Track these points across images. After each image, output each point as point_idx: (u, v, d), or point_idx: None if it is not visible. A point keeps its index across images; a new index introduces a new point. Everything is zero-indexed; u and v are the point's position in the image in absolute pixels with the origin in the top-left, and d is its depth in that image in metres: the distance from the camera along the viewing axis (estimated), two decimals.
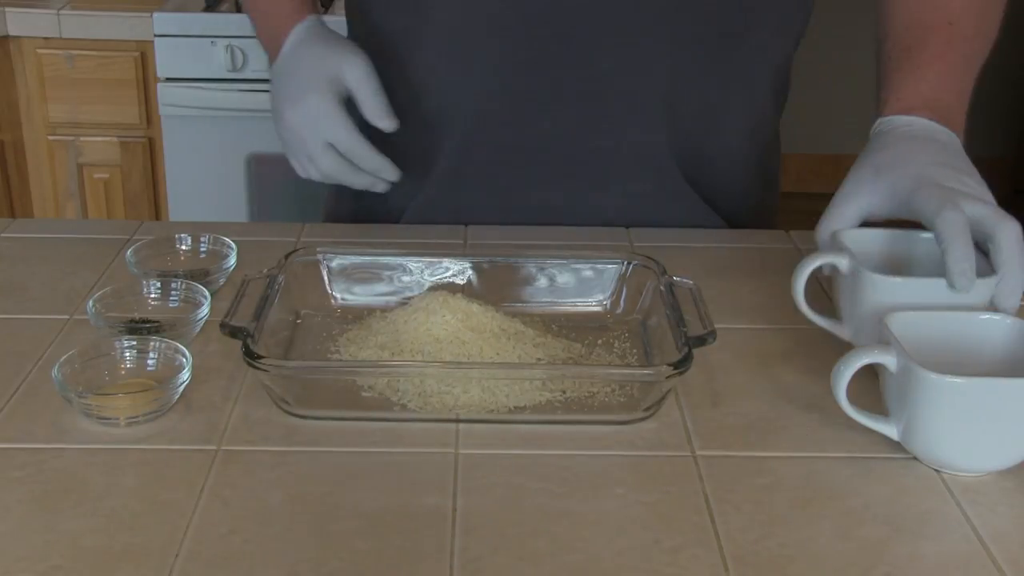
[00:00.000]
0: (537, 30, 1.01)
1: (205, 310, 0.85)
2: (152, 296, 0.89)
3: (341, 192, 1.17)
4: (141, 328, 0.84)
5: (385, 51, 1.06)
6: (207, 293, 0.87)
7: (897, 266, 0.85)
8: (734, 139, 1.11)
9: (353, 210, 1.16)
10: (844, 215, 0.85)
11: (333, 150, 1.02)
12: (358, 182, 1.04)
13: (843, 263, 0.81)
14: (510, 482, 0.70)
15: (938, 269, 0.79)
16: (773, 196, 1.20)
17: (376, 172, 1.03)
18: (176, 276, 0.91)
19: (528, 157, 1.07)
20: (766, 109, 1.12)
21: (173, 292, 0.89)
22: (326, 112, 1.01)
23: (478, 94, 1.04)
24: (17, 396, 0.78)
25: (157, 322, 0.85)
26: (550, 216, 1.08)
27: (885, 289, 0.78)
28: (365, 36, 1.09)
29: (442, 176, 1.08)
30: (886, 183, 0.83)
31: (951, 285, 0.76)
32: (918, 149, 0.85)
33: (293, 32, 1.05)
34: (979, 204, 0.77)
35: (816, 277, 0.83)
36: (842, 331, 0.83)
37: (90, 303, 0.85)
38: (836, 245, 0.83)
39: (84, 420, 0.75)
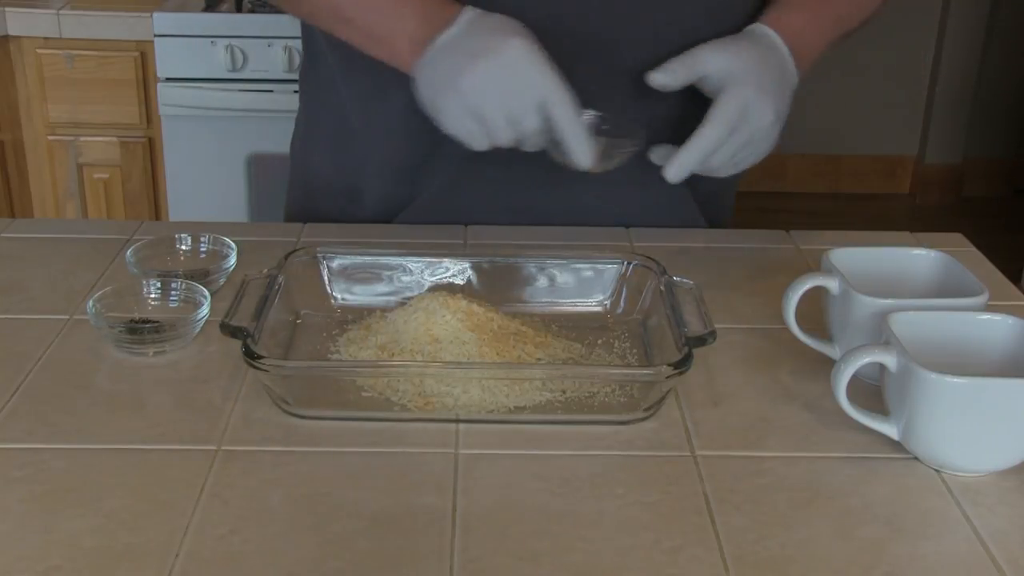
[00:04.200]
0: (553, 35, 1.00)
1: (205, 310, 0.85)
2: (152, 296, 0.89)
3: (312, 195, 1.16)
4: (141, 328, 0.84)
5: (379, 63, 1.05)
6: (207, 293, 0.87)
7: (887, 285, 0.85)
8: None
9: (326, 211, 1.14)
10: (689, 67, 0.98)
11: (541, 116, 0.89)
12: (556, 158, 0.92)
13: (833, 285, 0.82)
14: (510, 482, 0.70)
15: (928, 289, 0.85)
16: (734, 192, 1.23)
17: (574, 159, 0.91)
18: (176, 276, 0.91)
19: (536, 163, 1.06)
20: None
21: (173, 292, 0.89)
22: (539, 63, 0.88)
23: None
24: (17, 396, 0.78)
25: (157, 322, 0.85)
26: (553, 221, 1.08)
27: (875, 310, 0.78)
28: (352, 54, 1.04)
29: (444, 180, 1.08)
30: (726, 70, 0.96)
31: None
32: (764, 67, 0.98)
33: (467, 12, 0.92)
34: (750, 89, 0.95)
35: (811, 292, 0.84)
36: (833, 351, 0.83)
37: (90, 303, 0.85)
38: (826, 266, 0.84)
39: (86, 418, 0.75)
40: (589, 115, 0.94)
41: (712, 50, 0.97)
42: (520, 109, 0.88)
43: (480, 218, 1.08)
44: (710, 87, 0.97)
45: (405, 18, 0.94)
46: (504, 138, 0.91)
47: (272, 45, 2.18)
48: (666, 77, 0.98)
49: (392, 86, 1.04)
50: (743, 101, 0.94)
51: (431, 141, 1.06)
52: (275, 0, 1.04)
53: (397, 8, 0.94)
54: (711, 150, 0.94)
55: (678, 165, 0.94)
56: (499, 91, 0.88)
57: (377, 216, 1.11)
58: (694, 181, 1.10)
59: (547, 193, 1.08)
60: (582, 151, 0.90)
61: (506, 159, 1.06)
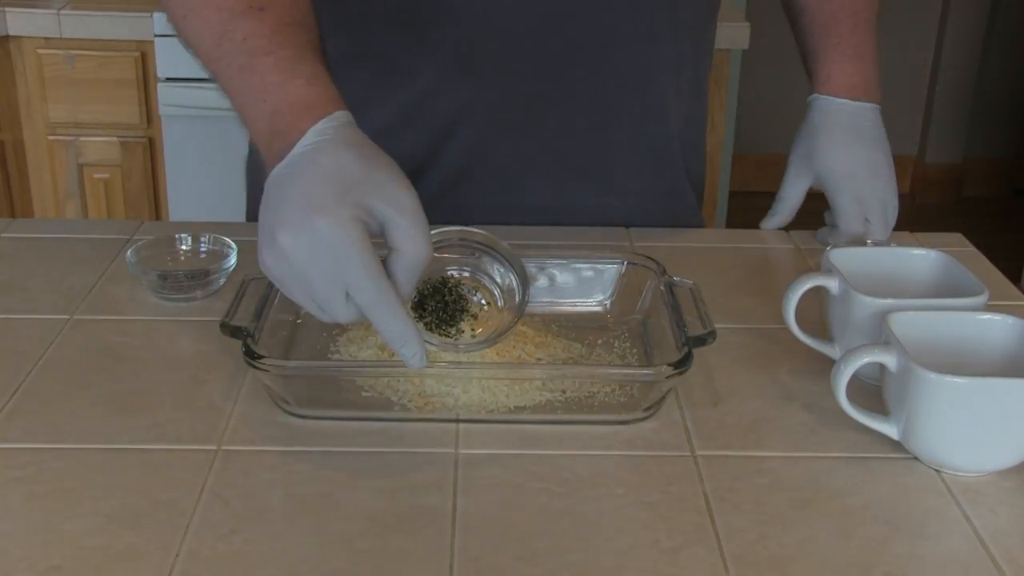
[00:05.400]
0: (548, 37, 1.00)
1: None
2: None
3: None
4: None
5: (384, 64, 1.04)
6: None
7: (887, 285, 0.85)
8: (703, 120, 1.17)
9: None
10: (793, 199, 1.10)
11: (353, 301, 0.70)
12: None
13: (833, 285, 0.82)
14: (510, 482, 0.70)
15: (928, 289, 0.86)
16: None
17: (397, 347, 0.71)
18: (176, 276, 0.91)
19: (540, 158, 1.06)
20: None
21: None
22: (343, 243, 0.68)
23: (489, 100, 1.03)
24: (17, 396, 0.78)
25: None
26: (559, 216, 1.08)
27: (875, 310, 0.78)
28: (356, 51, 1.05)
29: (447, 176, 1.08)
30: (820, 173, 1.07)
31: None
32: (852, 144, 1.06)
33: (314, 130, 0.73)
34: (877, 210, 1.06)
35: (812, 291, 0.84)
36: (833, 351, 0.83)
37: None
38: (826, 266, 0.84)
39: (86, 418, 0.75)
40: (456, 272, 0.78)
41: (796, 174, 1.08)
42: (328, 300, 0.70)
43: (484, 218, 1.08)
44: (820, 188, 1.07)
45: (275, 110, 0.77)
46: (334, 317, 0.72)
47: None
48: (780, 220, 1.10)
49: (374, 102, 1.04)
50: (851, 200, 1.05)
51: (420, 155, 1.06)
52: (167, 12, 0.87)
53: (249, 100, 0.80)
54: (857, 239, 1.05)
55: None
56: (301, 276, 0.70)
57: None
58: (688, 166, 1.12)
59: (557, 193, 1.08)
60: (408, 351, 0.71)
61: (515, 160, 1.06)
